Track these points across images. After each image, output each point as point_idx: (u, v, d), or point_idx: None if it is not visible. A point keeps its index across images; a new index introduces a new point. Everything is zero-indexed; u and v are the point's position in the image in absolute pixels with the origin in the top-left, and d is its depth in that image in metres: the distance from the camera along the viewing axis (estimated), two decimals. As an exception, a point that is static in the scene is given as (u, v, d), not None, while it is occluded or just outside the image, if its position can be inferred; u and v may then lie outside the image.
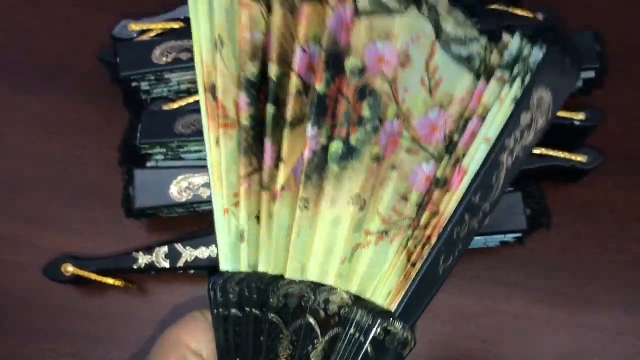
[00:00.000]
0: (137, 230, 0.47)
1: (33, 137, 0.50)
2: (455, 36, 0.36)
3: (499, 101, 0.35)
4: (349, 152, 0.34)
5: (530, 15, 0.48)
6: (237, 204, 0.36)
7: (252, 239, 0.36)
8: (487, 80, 0.35)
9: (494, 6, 0.48)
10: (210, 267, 0.44)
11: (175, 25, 0.46)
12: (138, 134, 0.44)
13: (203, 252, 0.44)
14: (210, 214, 0.43)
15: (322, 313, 0.34)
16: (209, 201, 0.44)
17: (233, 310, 0.36)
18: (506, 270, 0.47)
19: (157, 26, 0.46)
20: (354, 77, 0.33)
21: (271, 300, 0.34)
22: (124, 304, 0.46)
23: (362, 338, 0.33)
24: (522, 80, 0.35)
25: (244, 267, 0.36)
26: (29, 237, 0.48)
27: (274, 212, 0.35)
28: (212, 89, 0.35)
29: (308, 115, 0.34)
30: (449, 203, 0.34)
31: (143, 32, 0.47)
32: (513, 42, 0.36)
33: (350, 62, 0.33)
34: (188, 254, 0.44)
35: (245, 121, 0.35)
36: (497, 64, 0.35)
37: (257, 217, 0.35)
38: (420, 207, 0.35)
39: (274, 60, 0.34)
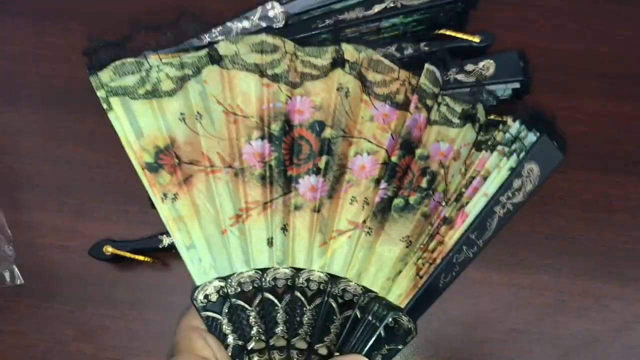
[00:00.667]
0: (160, 219, 0.57)
1: (76, 149, 0.59)
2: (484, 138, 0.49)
3: (498, 167, 0.46)
4: (407, 207, 0.47)
5: (470, 38, 0.58)
6: (235, 224, 0.47)
7: (280, 244, 0.47)
8: (492, 151, 0.47)
9: (441, 31, 0.58)
10: None
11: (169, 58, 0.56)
12: None
13: None
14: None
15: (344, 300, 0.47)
16: None
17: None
18: None
19: (152, 57, 0.57)
20: (420, 161, 0.47)
21: (332, 291, 0.47)
22: (151, 276, 0.56)
23: (377, 323, 0.46)
24: (518, 156, 0.46)
25: (274, 264, 0.47)
26: (76, 226, 0.57)
27: (297, 224, 0.47)
28: (147, 166, 0.46)
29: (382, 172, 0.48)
30: (452, 237, 0.46)
31: None
32: (514, 126, 0.47)
33: (419, 151, 0.47)
34: None
35: (272, 162, 0.47)
36: (500, 141, 0.47)
37: (283, 228, 0.47)
38: (431, 237, 0.47)
39: (330, 126, 0.47)
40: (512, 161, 0.46)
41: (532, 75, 0.56)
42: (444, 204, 0.47)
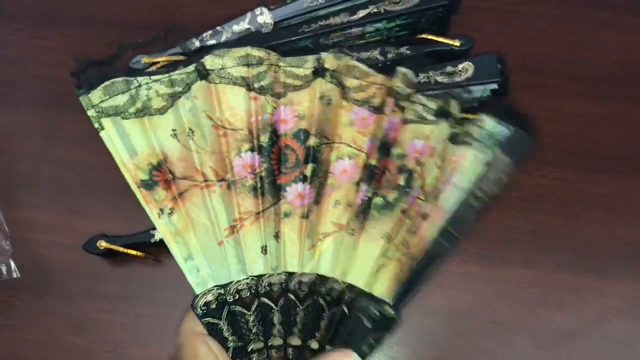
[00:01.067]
0: None
1: (73, 149, 0.61)
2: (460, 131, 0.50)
3: (471, 162, 0.48)
4: (386, 206, 0.49)
5: (451, 42, 0.60)
6: (230, 235, 0.48)
7: (273, 251, 0.49)
8: (468, 147, 0.49)
9: (423, 35, 0.60)
10: None
11: (178, 58, 0.59)
12: None
13: None
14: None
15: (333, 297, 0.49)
16: None
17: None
18: None
19: (163, 59, 0.59)
20: (397, 160, 0.49)
21: (320, 290, 0.49)
22: (143, 271, 0.57)
23: (363, 316, 0.48)
24: (493, 150, 0.48)
25: (269, 271, 0.49)
26: (71, 223, 0.58)
27: (287, 230, 0.49)
28: (142, 184, 0.47)
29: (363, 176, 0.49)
30: (429, 231, 0.47)
31: (153, 63, 0.58)
32: (489, 122, 0.49)
33: (396, 151, 0.49)
34: None
35: (262, 173, 0.49)
36: (477, 137, 0.49)
37: (275, 236, 0.49)
38: (411, 233, 0.49)
39: (314, 134, 0.49)
40: (486, 155, 0.48)
41: (509, 77, 0.58)
42: (422, 198, 0.49)
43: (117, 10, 0.66)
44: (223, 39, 0.59)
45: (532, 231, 0.58)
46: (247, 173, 0.49)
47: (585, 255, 0.57)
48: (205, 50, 0.53)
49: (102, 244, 0.56)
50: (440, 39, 0.59)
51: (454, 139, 0.50)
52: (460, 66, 0.57)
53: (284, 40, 0.58)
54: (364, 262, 0.49)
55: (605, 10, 0.64)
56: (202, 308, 0.48)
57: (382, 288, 0.48)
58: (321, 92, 0.50)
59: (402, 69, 0.51)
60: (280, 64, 0.50)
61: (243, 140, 0.49)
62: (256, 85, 0.49)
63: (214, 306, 0.48)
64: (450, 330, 0.56)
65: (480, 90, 0.58)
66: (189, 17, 0.65)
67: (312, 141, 0.49)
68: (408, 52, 0.58)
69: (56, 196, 0.60)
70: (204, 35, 0.59)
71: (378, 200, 0.49)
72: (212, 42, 0.59)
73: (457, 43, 0.59)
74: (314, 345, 0.49)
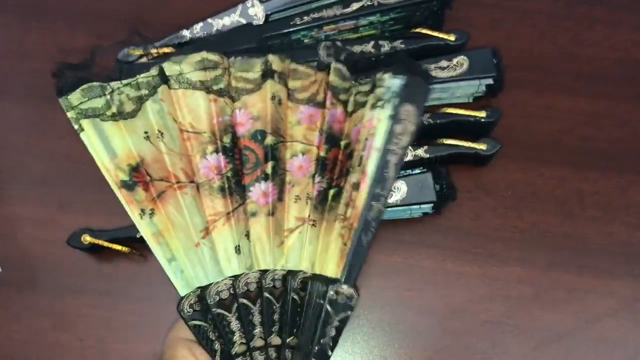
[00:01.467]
0: None
1: (58, 142, 0.60)
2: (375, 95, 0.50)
3: (379, 121, 0.48)
4: (339, 193, 0.49)
5: (445, 36, 0.59)
6: (205, 236, 0.48)
7: (246, 250, 0.49)
8: (373, 109, 0.48)
9: (417, 29, 0.59)
10: None
11: (167, 50, 0.58)
12: None
13: None
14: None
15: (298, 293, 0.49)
16: None
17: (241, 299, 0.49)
18: (427, 235, 0.57)
19: (153, 51, 0.59)
20: (345, 149, 0.50)
21: (292, 286, 0.49)
22: (129, 267, 0.56)
23: (321, 301, 0.47)
24: (392, 103, 0.48)
25: (244, 270, 0.49)
26: (56, 218, 0.58)
27: (256, 229, 0.49)
28: (123, 185, 0.47)
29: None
30: (360, 198, 0.47)
31: (142, 56, 0.58)
32: (386, 78, 0.49)
33: (343, 142, 0.50)
34: None
35: (228, 173, 0.49)
36: (381, 96, 0.48)
37: (247, 235, 0.49)
38: (347, 205, 0.48)
39: (270, 133, 0.49)
40: (388, 109, 0.48)
41: (505, 73, 0.57)
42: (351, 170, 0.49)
43: (107, 3, 0.65)
44: (214, 30, 0.58)
45: (527, 230, 0.57)
46: (214, 174, 0.49)
47: (581, 255, 0.56)
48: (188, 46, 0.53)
49: (87, 239, 0.55)
50: (434, 34, 0.59)
51: (371, 107, 0.49)
52: (454, 60, 0.57)
53: (275, 33, 0.57)
54: (326, 250, 0.49)
55: (600, 7, 0.64)
56: (188, 311, 0.47)
57: (333, 267, 0.48)
58: (272, 92, 0.50)
59: (336, 65, 0.51)
60: (231, 69, 0.50)
61: (207, 142, 0.49)
62: (214, 88, 0.50)
63: (198, 308, 0.47)
64: (443, 329, 0.55)
65: (475, 86, 0.57)
66: (180, 8, 0.64)
67: (269, 140, 0.49)
68: (402, 45, 0.57)
69: (41, 190, 0.59)
70: (194, 27, 0.58)
71: (333, 190, 0.50)
72: (202, 34, 0.58)
73: (451, 37, 0.58)
74: (294, 342, 0.49)
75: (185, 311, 0.47)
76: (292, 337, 0.49)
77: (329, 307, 0.47)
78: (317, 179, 0.50)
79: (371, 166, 0.47)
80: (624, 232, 0.56)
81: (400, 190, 0.54)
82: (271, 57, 0.50)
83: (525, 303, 0.55)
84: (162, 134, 0.48)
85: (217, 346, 0.48)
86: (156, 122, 0.48)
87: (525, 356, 0.54)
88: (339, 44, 0.57)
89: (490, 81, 0.57)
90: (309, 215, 0.50)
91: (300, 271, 0.49)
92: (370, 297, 0.56)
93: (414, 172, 0.55)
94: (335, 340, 0.47)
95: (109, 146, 0.47)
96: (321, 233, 0.50)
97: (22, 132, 0.61)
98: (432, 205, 0.55)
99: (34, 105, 0.62)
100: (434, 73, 0.56)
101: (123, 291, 0.56)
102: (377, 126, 0.48)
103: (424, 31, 0.59)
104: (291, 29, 0.58)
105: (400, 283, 0.56)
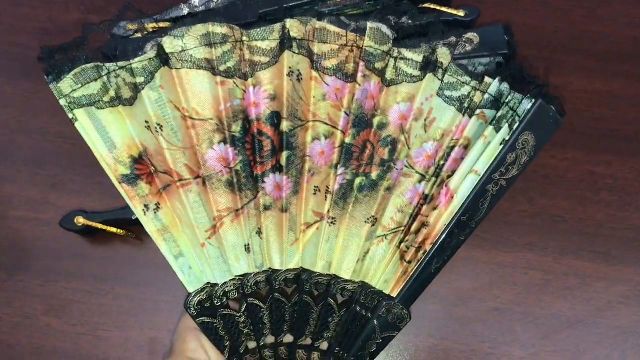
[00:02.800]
0: None
1: (52, 121, 0.58)
2: (449, 83, 0.45)
3: (483, 138, 0.43)
4: (370, 185, 0.45)
5: (455, 12, 0.57)
6: (212, 236, 0.45)
7: (257, 248, 0.46)
8: (470, 115, 0.44)
9: (426, 4, 0.55)
10: None
11: (163, 25, 0.55)
12: None
13: None
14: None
15: (339, 297, 0.46)
16: None
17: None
18: None
19: (148, 26, 0.56)
20: (379, 131, 0.44)
21: (304, 287, 0.46)
22: (124, 250, 0.54)
23: (368, 314, 0.45)
24: (510, 126, 0.43)
25: (254, 269, 0.46)
26: (48, 198, 0.56)
27: (268, 226, 0.46)
28: (124, 179, 0.44)
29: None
30: (440, 218, 0.44)
31: (137, 31, 0.56)
32: (493, 85, 0.44)
33: (377, 120, 0.44)
34: None
35: (238, 167, 0.44)
36: (479, 103, 0.44)
37: (258, 232, 0.46)
38: (411, 217, 0.45)
39: (286, 118, 0.44)
40: (504, 132, 0.43)
41: (517, 50, 0.54)
42: (412, 172, 0.46)
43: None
44: (212, 5, 0.56)
45: (538, 214, 0.55)
46: (222, 167, 0.45)
47: (593, 240, 0.54)
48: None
49: (80, 221, 0.52)
50: (443, 9, 0.56)
51: (441, 90, 0.45)
52: (465, 37, 0.54)
53: (272, 9, 0.55)
54: (348, 251, 0.46)
55: (617, -17, 0.61)
56: (196, 307, 0.45)
57: (385, 281, 0.46)
58: (290, 67, 0.44)
59: (373, 24, 0.45)
60: (244, 38, 0.45)
61: (214, 130, 0.45)
62: (222, 68, 0.44)
63: (207, 305, 0.45)
64: (450, 316, 0.53)
65: (485, 64, 0.55)
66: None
67: (285, 126, 0.45)
68: (410, 22, 0.55)
69: (33, 170, 0.57)
70: (192, 0, 0.56)
71: (360, 180, 0.45)
72: (202, 7, 0.56)
73: (461, 13, 0.56)
74: (307, 341, 0.47)
75: (193, 308, 0.45)
76: (303, 337, 0.47)
77: (376, 323, 0.45)
78: (340, 170, 0.45)
79: (463, 189, 0.43)
80: (638, 217, 0.55)
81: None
82: (290, 22, 0.44)
83: (534, 290, 0.53)
84: (161, 127, 0.44)
85: (226, 343, 0.46)
86: (154, 113, 0.44)
87: (535, 344, 0.52)
88: (343, 19, 0.54)
89: (501, 59, 0.54)
90: (328, 211, 0.46)
91: (315, 273, 0.47)
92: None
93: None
94: (373, 356, 0.45)
95: (107, 137, 0.43)
96: (342, 232, 0.46)
97: (13, 110, 0.59)
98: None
99: (25, 81, 0.60)
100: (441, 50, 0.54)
101: (118, 275, 0.54)
102: (477, 143, 0.43)
103: (433, 6, 0.57)
104: (291, 3, 0.55)
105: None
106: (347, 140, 0.45)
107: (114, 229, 0.53)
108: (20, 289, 0.54)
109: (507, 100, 0.44)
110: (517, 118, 0.43)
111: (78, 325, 0.53)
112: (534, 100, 0.43)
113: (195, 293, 0.45)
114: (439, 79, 0.45)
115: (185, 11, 0.56)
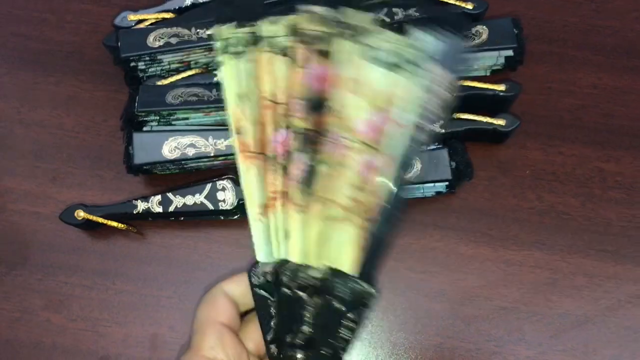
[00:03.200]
0: (136, 185, 0.54)
1: (52, 112, 0.57)
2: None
3: (406, 89, 0.41)
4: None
5: (462, 4, 0.55)
6: (263, 213, 0.43)
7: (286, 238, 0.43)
8: (390, 69, 0.42)
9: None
10: (198, 212, 0.52)
11: (167, 15, 0.54)
12: (136, 104, 0.51)
13: (190, 200, 0.51)
14: (196, 171, 0.52)
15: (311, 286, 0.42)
16: (194, 158, 0.51)
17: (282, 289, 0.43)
18: (441, 215, 0.54)
19: (151, 16, 0.54)
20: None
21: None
22: (125, 244, 0.53)
23: (335, 301, 0.42)
24: (425, 68, 0.41)
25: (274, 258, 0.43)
26: (48, 192, 0.55)
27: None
28: (238, 130, 0.43)
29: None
30: (382, 183, 0.41)
31: (140, 21, 0.54)
32: (419, 37, 0.42)
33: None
34: (178, 201, 0.51)
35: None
36: (410, 59, 0.42)
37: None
38: (362, 191, 0.42)
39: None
40: (422, 76, 0.41)
41: (526, 44, 0.54)
42: (353, 141, 0.42)
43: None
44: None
45: (546, 211, 0.54)
46: (282, 151, 0.43)
47: (602, 238, 0.53)
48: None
49: (80, 214, 0.51)
50: (450, 1, 0.55)
51: (372, 59, 0.42)
52: (473, 29, 0.53)
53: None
54: (317, 236, 0.43)
55: (627, -24, 0.60)
56: (260, 278, 0.42)
57: (347, 260, 0.42)
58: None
59: (309, 8, 0.44)
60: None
61: (282, 114, 0.43)
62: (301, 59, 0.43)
63: (270, 279, 0.42)
64: (456, 315, 0.52)
65: (493, 57, 0.54)
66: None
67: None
68: (417, 13, 0.54)
69: (32, 162, 0.56)
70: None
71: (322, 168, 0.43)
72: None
73: (469, 6, 0.55)
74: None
75: (258, 277, 0.42)
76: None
77: (342, 307, 0.42)
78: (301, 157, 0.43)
79: (396, 146, 0.41)
80: (648, 215, 0.53)
81: (413, 167, 0.51)
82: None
83: (542, 288, 0.52)
84: (246, 97, 0.44)
85: (272, 324, 0.43)
86: (245, 84, 0.44)
87: (542, 344, 0.51)
88: None
89: (510, 53, 0.54)
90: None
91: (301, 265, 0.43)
92: (380, 280, 0.52)
93: (428, 148, 0.51)
94: (348, 342, 0.42)
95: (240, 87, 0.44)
96: (311, 219, 0.43)
97: (12, 101, 0.58)
98: (447, 183, 0.52)
99: (25, 72, 0.59)
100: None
101: (119, 270, 0.53)
102: (405, 96, 0.41)
103: (440, -2, 0.56)
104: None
105: (412, 265, 0.53)
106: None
107: (114, 223, 0.52)
108: (19, 284, 0.53)
109: (418, 44, 0.42)
110: (429, 57, 0.41)
111: (78, 320, 0.52)
112: (440, 35, 0.41)
113: (264, 263, 0.43)
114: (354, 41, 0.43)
115: (188, 1, 0.56)
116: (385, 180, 0.41)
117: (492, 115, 0.53)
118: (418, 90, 0.41)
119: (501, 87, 0.53)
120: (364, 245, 0.42)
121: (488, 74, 0.56)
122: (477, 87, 0.53)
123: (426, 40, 0.42)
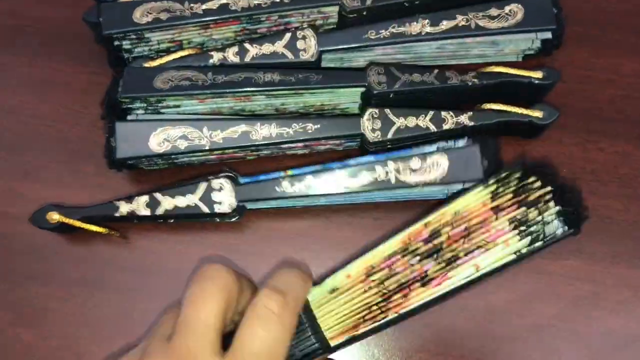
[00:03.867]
0: (120, 182, 0.49)
1: (24, 98, 0.52)
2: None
3: (505, 244, 0.39)
4: None
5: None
6: None
7: None
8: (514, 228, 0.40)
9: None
10: (190, 215, 0.46)
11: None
12: (120, 89, 0.46)
13: (181, 201, 0.46)
14: (188, 167, 0.46)
15: None
16: (186, 152, 0.46)
17: None
18: None
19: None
20: None
21: None
22: (107, 250, 0.48)
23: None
24: (533, 241, 0.39)
25: None
26: (19, 189, 0.50)
27: None
28: None
29: None
30: (421, 295, 0.40)
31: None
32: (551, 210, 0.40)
33: None
34: (167, 202, 0.46)
35: None
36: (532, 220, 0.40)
37: None
38: (401, 287, 0.40)
39: None
40: (522, 244, 0.40)
41: (565, 26, 0.49)
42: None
43: None
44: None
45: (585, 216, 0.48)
46: None
47: (650, 247, 0.49)
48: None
49: (54, 217, 0.46)
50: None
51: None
52: (507, 8, 0.48)
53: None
54: None
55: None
56: None
57: (330, 329, 0.40)
58: None
59: None
60: None
61: None
62: None
63: None
64: (483, 333, 0.47)
65: (529, 40, 0.49)
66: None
67: None
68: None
69: (1, 155, 0.51)
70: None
71: None
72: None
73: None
74: None
75: None
76: None
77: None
78: None
79: (458, 277, 0.40)
80: (701, 221, 0.49)
81: (439, 165, 0.45)
82: None
83: (582, 303, 0.47)
84: None
85: None
86: None
87: (581, 367, 0.46)
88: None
89: (548, 35, 0.49)
90: None
91: None
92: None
93: (456, 145, 0.46)
94: None
95: None
96: None
97: (-21, 85, 0.53)
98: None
99: (-6, 52, 0.54)
100: (481, 23, 0.47)
101: (99, 279, 0.48)
102: (499, 249, 0.40)
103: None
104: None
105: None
106: None
107: (94, 227, 0.46)
108: (-16, 295, 0.48)
109: (544, 220, 0.40)
110: (542, 236, 0.39)
111: (53, 337, 0.47)
112: (566, 229, 0.40)
113: None
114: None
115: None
116: (426, 296, 0.40)
117: (526, 106, 0.47)
118: (512, 255, 0.40)
119: (538, 74, 0.48)
120: (360, 329, 0.41)
121: (520, 59, 0.51)
122: (509, 74, 0.48)
123: (553, 222, 0.40)
